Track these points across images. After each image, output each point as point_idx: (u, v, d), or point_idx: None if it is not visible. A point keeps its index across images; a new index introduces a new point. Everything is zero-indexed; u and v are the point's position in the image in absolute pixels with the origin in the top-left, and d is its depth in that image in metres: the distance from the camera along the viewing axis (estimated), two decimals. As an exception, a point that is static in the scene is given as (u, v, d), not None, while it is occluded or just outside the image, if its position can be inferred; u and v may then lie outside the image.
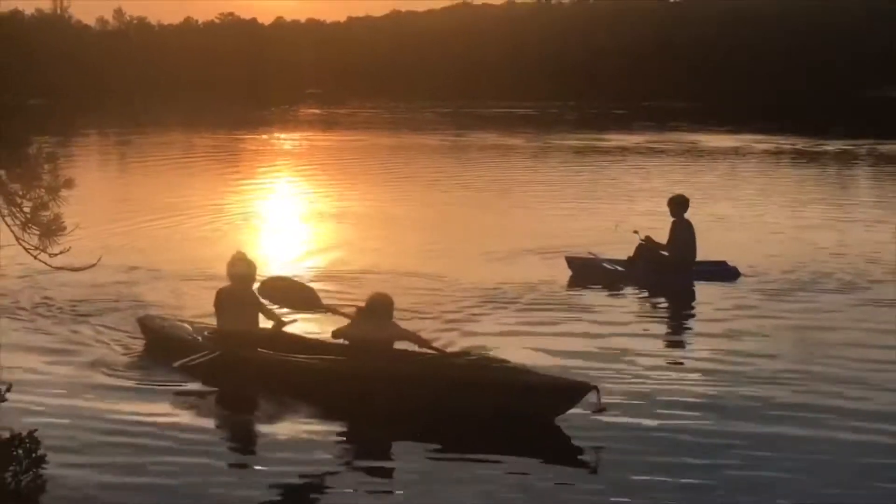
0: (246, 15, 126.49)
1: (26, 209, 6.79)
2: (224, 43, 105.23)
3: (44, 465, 4.70)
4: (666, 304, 16.00)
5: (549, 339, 13.14)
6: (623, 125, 58.74)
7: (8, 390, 5.79)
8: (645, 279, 16.64)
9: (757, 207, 26.17)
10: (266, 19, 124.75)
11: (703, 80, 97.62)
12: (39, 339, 13.12)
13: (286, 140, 53.30)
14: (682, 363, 12.60)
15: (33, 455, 4.08)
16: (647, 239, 16.93)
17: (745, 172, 36.89)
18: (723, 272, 16.80)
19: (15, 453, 4.14)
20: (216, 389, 11.30)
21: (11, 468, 3.94)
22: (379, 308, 10.96)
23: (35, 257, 6.90)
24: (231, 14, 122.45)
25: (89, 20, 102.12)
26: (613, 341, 13.16)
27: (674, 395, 10.94)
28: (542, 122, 61.90)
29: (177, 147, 47.35)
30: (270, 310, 12.05)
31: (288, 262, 18.98)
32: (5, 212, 6.75)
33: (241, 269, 11.96)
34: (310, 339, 12.12)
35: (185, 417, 10.53)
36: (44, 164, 6.81)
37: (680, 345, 14.15)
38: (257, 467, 9.44)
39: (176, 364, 11.34)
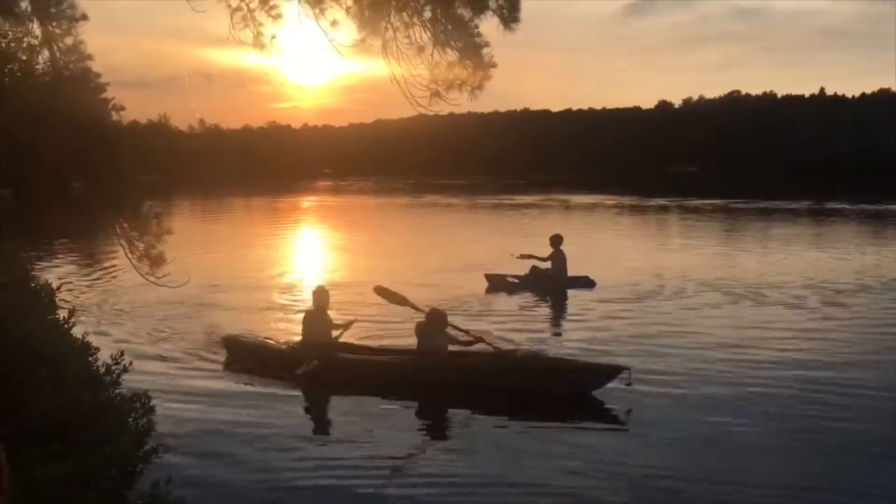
0: (283, 121, 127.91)
1: (141, 247, 6.84)
2: (268, 139, 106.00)
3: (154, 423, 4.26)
4: (549, 304, 16.10)
5: (481, 325, 12.86)
6: (523, 191, 59.08)
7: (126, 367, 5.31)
8: (536, 288, 16.80)
9: (609, 241, 26.47)
10: (296, 125, 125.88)
11: (573, 161, 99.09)
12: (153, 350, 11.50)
13: (310, 200, 53.27)
14: (559, 335, 13.02)
15: (147, 405, 4.11)
16: (524, 256, 17.21)
17: (601, 219, 37.18)
18: (585, 283, 16.95)
19: (134, 405, 4.15)
20: (311, 390, 9.78)
21: (132, 416, 3.95)
22: (439, 320, 9.90)
23: (146, 279, 6.95)
24: (274, 122, 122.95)
25: (183, 126, 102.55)
26: (518, 325, 13.38)
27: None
28: (472, 189, 62.12)
29: (238, 207, 47.43)
30: (339, 326, 10.80)
31: (307, 274, 19.23)
32: (128, 250, 6.81)
33: (323, 297, 10.85)
34: (378, 347, 10.86)
35: (298, 412, 9.29)
36: (153, 219, 6.89)
37: (559, 326, 14.31)
38: (363, 451, 7.79)
39: (299, 371, 9.77)
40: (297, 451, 7.76)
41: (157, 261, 6.87)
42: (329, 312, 11.00)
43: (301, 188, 65.87)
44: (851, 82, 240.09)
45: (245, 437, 8.04)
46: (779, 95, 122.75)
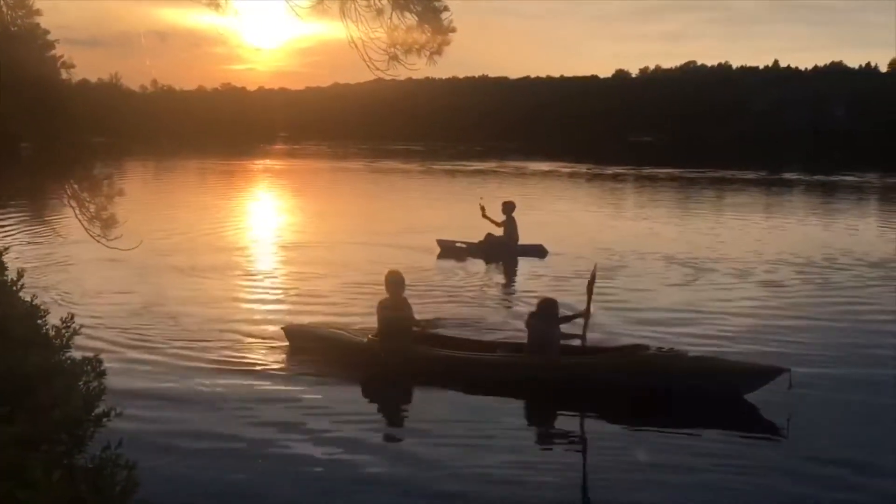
0: (238, 83, 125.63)
1: (91, 209, 6.70)
2: (223, 101, 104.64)
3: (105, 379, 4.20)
4: (501, 269, 16.14)
5: (434, 294, 13.06)
6: (480, 157, 59.07)
7: (76, 330, 5.05)
8: (486, 255, 16.87)
9: (564, 210, 26.60)
10: (252, 87, 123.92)
11: (531, 128, 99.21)
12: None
13: (264, 164, 52.81)
14: (507, 304, 12.79)
15: (98, 369, 4.05)
16: (489, 236, 17.19)
17: (556, 187, 37.34)
18: (537, 251, 17.05)
19: (85, 369, 4.09)
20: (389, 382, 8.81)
21: (82, 380, 3.89)
22: (552, 310, 8.65)
23: (97, 241, 6.81)
24: (229, 83, 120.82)
25: (135, 86, 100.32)
26: (467, 293, 13.38)
27: (496, 326, 11.00)
28: (429, 155, 61.94)
29: (191, 169, 46.70)
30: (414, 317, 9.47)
31: (259, 237, 19.18)
32: (78, 212, 6.67)
33: (398, 281, 9.40)
34: (461, 339, 9.43)
35: (383, 407, 8.35)
36: (104, 180, 6.75)
37: (511, 291, 14.17)
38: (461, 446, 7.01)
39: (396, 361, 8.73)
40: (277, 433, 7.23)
41: (108, 223, 6.71)
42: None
43: (256, 151, 65.16)
44: (805, 54, 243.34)
45: (202, 404, 7.92)
46: (734, 66, 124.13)
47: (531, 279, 14.73)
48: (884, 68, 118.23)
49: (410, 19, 4.41)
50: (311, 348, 9.47)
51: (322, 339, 9.52)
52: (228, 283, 13.89)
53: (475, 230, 17.37)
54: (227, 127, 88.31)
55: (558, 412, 8.03)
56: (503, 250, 16.92)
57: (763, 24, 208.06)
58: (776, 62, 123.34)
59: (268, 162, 55.09)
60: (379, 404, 8.44)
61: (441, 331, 9.51)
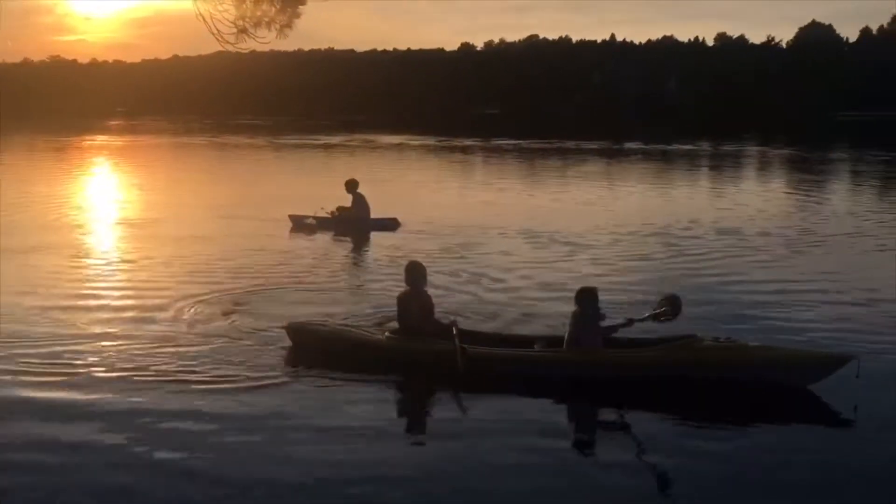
0: (68, 56, 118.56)
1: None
2: (52, 74, 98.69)
3: None
4: (351, 243, 16.01)
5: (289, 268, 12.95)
6: (329, 131, 58.51)
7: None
8: (341, 228, 16.81)
9: (415, 181, 26.79)
10: (83, 59, 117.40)
11: (379, 101, 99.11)
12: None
13: (100, 140, 50.03)
14: (360, 277, 12.69)
15: None
16: (339, 209, 17.21)
17: (406, 159, 37.52)
18: (389, 224, 17.08)
19: None
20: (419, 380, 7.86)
21: None
22: (586, 295, 7.77)
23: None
24: (58, 56, 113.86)
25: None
26: (319, 268, 13.12)
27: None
28: (276, 129, 60.75)
29: (15, 147, 43.05)
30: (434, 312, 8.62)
31: (96, 218, 18.27)
32: None
33: (420, 273, 8.55)
34: (492, 333, 8.57)
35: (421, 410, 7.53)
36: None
37: (364, 264, 14.06)
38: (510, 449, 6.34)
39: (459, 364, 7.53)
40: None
41: None
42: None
43: (90, 127, 61.93)
44: (639, 28, 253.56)
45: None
46: (574, 40, 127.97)
47: (381, 252, 14.70)
48: (711, 42, 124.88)
49: (259, -8, 4.35)
50: (317, 347, 8.44)
51: (332, 336, 8.52)
52: (73, 265, 13.25)
53: (326, 204, 17.27)
54: (57, 102, 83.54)
55: (609, 409, 7.37)
56: (355, 224, 16.92)
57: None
58: (612, 36, 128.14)
59: (104, 138, 52.44)
60: (415, 410, 7.58)
61: (463, 325, 8.48)
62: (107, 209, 20.55)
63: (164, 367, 8.03)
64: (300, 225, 17.17)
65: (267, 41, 4.47)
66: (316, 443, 6.46)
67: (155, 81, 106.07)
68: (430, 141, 49.55)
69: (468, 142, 48.61)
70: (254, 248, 14.43)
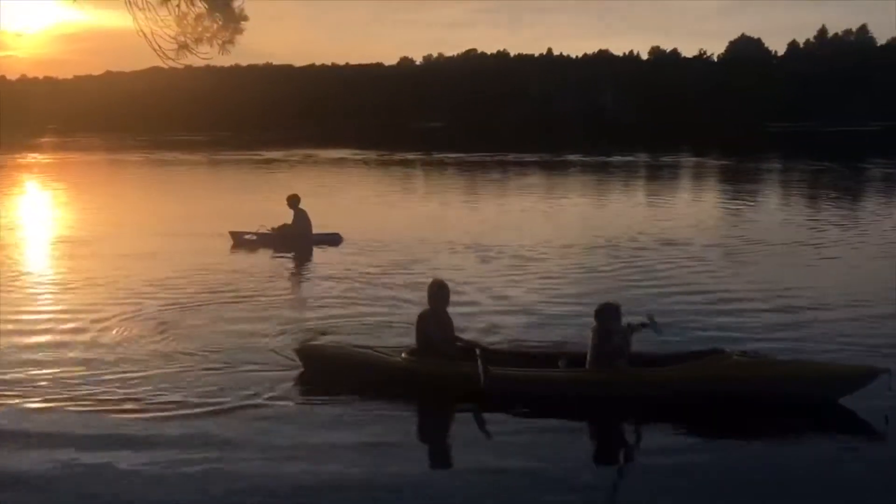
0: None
1: None
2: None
3: None
4: (293, 258, 15.83)
5: (228, 287, 12.65)
6: (268, 146, 57.90)
7: None
8: (282, 244, 16.61)
9: (358, 196, 26.60)
10: (12, 76, 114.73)
11: (321, 115, 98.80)
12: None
13: (31, 158, 48.57)
14: (304, 293, 12.53)
15: None
16: (283, 226, 17.03)
17: (348, 174, 37.33)
18: (332, 239, 17.00)
19: None
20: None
21: None
22: (608, 311, 7.60)
23: None
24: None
25: None
26: (261, 284, 12.93)
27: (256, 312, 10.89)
28: (214, 145, 60.01)
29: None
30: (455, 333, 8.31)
31: (37, 236, 17.75)
32: None
33: (443, 293, 8.23)
34: (514, 351, 8.38)
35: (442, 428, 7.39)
36: None
37: (307, 280, 13.84)
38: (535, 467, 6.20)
39: (482, 381, 7.30)
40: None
41: None
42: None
43: (20, 145, 60.29)
44: (575, 42, 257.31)
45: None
46: (512, 54, 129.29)
47: (327, 266, 14.59)
48: (645, 55, 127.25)
49: (200, 7, 4.26)
50: (330, 370, 8.16)
51: (346, 359, 8.19)
52: (3, 288, 12.82)
53: (268, 219, 17.12)
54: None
55: (633, 426, 7.23)
56: (297, 240, 16.76)
57: (537, 12, 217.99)
58: (549, 50, 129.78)
59: (35, 156, 51.11)
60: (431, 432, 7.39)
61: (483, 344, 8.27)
62: (39, 229, 20.01)
63: (90, 391, 7.79)
64: (241, 241, 16.94)
65: (209, 57, 4.38)
66: (332, 461, 6.32)
67: (87, 97, 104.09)
68: (372, 155, 49.43)
69: (410, 156, 48.62)
70: (193, 266, 14.18)
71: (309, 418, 7.22)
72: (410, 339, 8.57)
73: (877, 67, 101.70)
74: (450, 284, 8.53)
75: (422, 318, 8.15)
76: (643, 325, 7.74)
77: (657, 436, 6.94)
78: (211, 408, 7.39)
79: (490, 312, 10.77)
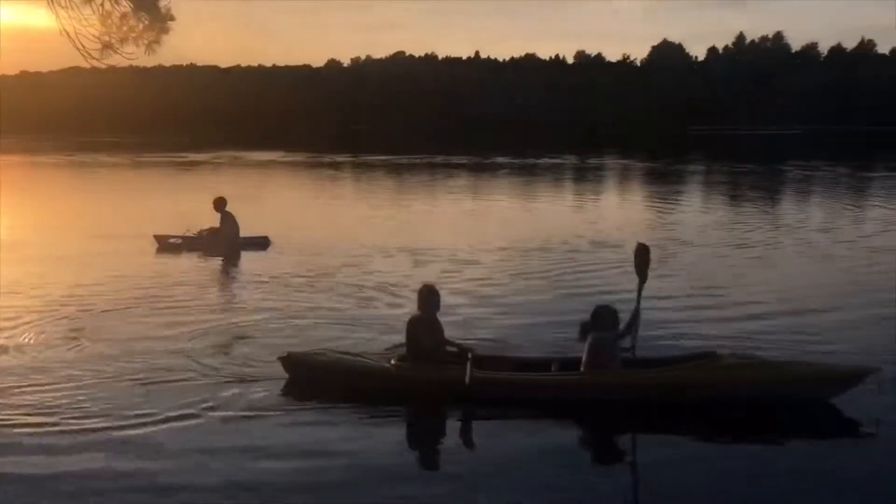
0: None
1: None
2: None
3: None
4: (221, 262, 15.53)
5: (154, 291, 12.33)
6: (193, 148, 57.01)
7: None
8: (209, 248, 16.29)
9: (287, 199, 26.35)
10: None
11: (247, 117, 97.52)
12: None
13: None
14: (234, 298, 12.16)
15: None
16: (210, 229, 16.75)
17: (276, 177, 36.90)
18: (260, 243, 16.76)
19: None
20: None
21: None
22: (605, 315, 7.57)
23: None
24: None
25: None
26: (189, 290, 12.59)
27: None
28: (136, 147, 58.74)
29: None
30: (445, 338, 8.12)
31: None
32: None
33: (434, 298, 8.08)
34: (507, 357, 8.20)
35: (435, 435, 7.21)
36: None
37: (235, 283, 13.53)
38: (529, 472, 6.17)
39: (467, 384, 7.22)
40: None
41: None
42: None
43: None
44: (503, 45, 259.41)
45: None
46: (440, 57, 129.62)
47: (255, 270, 14.34)
48: (571, 59, 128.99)
49: (125, 6, 4.12)
50: (317, 378, 7.92)
51: (334, 367, 7.96)
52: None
53: (194, 222, 16.80)
54: None
55: (624, 429, 7.17)
56: (225, 243, 16.46)
57: (466, 15, 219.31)
58: (477, 53, 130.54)
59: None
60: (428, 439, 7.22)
61: (477, 349, 8.11)
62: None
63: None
64: (166, 245, 16.58)
65: (134, 57, 4.24)
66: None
67: (1, 99, 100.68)
68: (300, 157, 48.99)
69: (339, 158, 48.33)
70: (117, 270, 13.79)
71: (274, 427, 7.06)
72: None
73: (792, 72, 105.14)
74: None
75: (412, 323, 8.01)
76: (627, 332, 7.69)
77: (649, 438, 6.96)
78: (137, 420, 7.17)
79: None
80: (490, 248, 16.32)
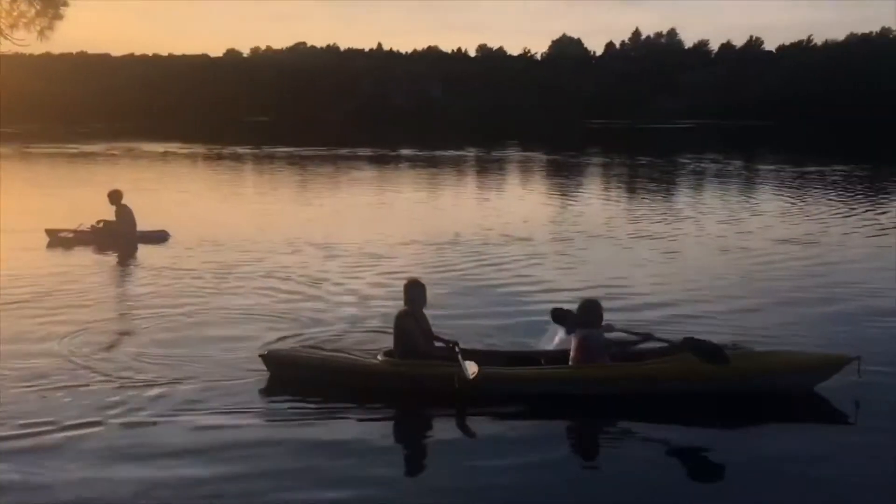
0: None
1: None
2: None
3: None
4: (116, 257, 14.99)
5: (47, 288, 11.76)
6: (85, 139, 54.81)
7: None
8: (104, 242, 15.72)
9: (187, 191, 25.58)
10: None
11: (140, 108, 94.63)
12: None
13: None
14: (129, 291, 11.74)
15: None
16: (105, 223, 16.17)
17: (173, 169, 35.80)
18: (159, 237, 16.26)
19: None
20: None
21: None
22: (593, 309, 7.57)
23: None
24: None
25: None
26: (83, 286, 12.05)
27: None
28: (22, 138, 55.91)
29: None
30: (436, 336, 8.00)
31: None
32: None
33: (421, 293, 7.93)
34: (495, 351, 8.16)
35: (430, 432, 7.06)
36: None
37: (126, 283, 12.95)
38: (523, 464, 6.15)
39: (463, 381, 7.09)
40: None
41: None
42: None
43: None
44: (404, 38, 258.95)
45: None
46: (342, 48, 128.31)
47: (153, 265, 13.87)
48: (473, 52, 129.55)
49: (15, -11, 3.83)
50: (300, 376, 7.71)
51: (318, 363, 7.77)
52: None
53: (84, 218, 16.21)
54: None
55: (613, 422, 7.16)
56: (120, 238, 15.91)
57: (368, 6, 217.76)
58: (380, 45, 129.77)
59: None
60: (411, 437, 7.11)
61: (464, 344, 7.98)
62: None
63: None
64: (58, 240, 15.90)
65: (26, 44, 3.97)
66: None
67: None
68: (199, 149, 47.73)
69: (239, 150, 47.25)
70: (5, 266, 13.15)
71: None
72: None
73: (686, 68, 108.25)
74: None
75: (400, 318, 7.81)
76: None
77: (637, 430, 6.95)
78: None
79: (344, 313, 10.35)
80: (400, 241, 16.16)
